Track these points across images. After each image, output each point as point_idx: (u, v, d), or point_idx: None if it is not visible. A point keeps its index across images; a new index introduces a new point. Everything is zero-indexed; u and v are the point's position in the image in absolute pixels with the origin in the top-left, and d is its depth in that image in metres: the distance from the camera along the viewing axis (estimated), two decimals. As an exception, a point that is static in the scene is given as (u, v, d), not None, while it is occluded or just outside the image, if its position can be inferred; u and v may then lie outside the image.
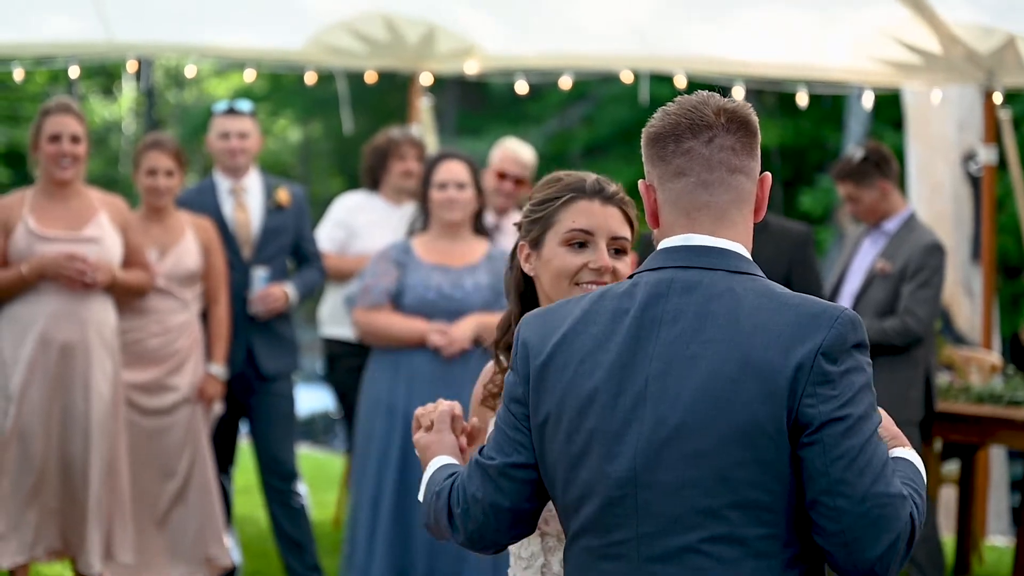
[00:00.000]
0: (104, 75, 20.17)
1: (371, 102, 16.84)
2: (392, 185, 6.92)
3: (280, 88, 20.59)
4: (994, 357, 6.96)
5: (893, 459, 2.28)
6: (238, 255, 6.25)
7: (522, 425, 2.38)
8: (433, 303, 5.58)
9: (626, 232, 2.88)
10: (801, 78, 7.71)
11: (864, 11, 7.20)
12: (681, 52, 7.75)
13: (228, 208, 6.32)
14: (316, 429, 14.32)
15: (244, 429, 6.47)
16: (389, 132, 7.08)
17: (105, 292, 5.60)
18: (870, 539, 2.17)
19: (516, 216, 7.04)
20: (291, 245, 6.39)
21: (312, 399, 13.11)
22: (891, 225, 6.26)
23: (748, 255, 2.34)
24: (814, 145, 16.94)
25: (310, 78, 7.97)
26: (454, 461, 2.58)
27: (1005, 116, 7.21)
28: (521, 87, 8.05)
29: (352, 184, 12.29)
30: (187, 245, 5.98)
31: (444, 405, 2.69)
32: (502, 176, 7.02)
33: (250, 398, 6.28)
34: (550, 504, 2.43)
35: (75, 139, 5.61)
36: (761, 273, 2.33)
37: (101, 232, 5.61)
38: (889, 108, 12.86)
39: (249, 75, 8.70)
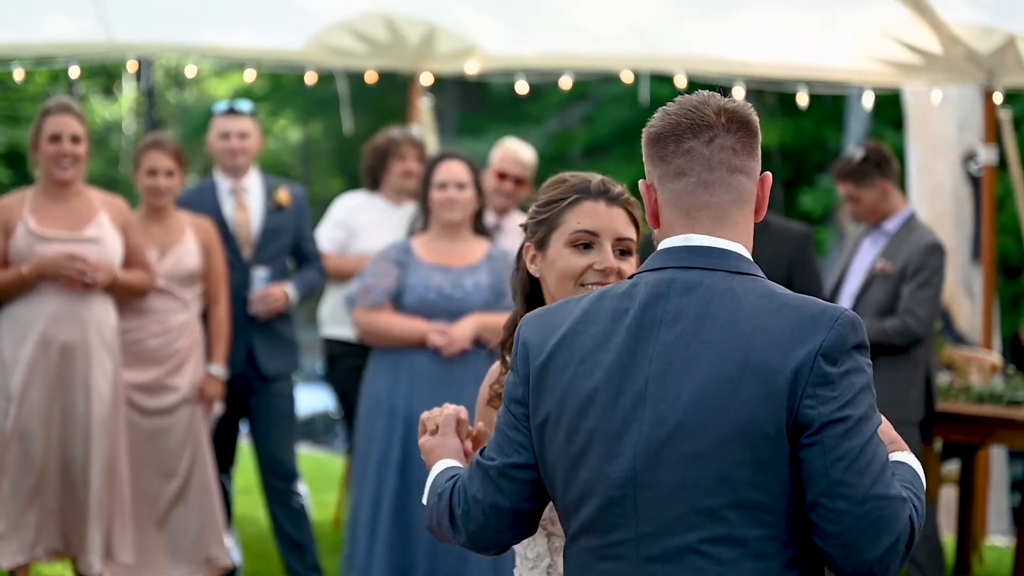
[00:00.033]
0: (104, 75, 20.17)
1: (371, 102, 16.83)
2: (392, 185, 6.92)
3: (280, 88, 20.59)
4: (994, 357, 6.96)
5: (893, 463, 2.27)
6: (238, 255, 6.25)
7: (522, 425, 2.38)
8: (433, 303, 5.58)
9: (631, 233, 2.89)
10: (801, 78, 7.71)
11: (864, 11, 7.20)
12: (681, 52, 7.75)
13: (228, 208, 6.32)
14: (316, 429, 14.32)
15: (244, 429, 6.47)
16: (389, 132, 7.08)
17: (105, 292, 5.59)
18: (869, 541, 2.17)
19: (516, 216, 7.06)
20: (291, 245, 6.39)
21: (312, 399, 13.11)
22: (891, 225, 6.26)
23: (749, 255, 2.34)
24: (814, 145, 16.93)
25: (310, 78, 7.97)
26: (458, 464, 2.58)
27: (1005, 116, 7.21)
28: (521, 87, 8.05)
29: (352, 184, 12.28)
30: (187, 245, 5.98)
31: (450, 409, 2.69)
32: (502, 176, 7.02)
33: (250, 398, 6.28)
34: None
35: (75, 139, 5.61)
36: (761, 274, 2.33)
37: (101, 232, 5.61)
38: (889, 108, 12.86)
39: (249, 75, 8.70)
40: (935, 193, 9.07)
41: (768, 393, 2.18)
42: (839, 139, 15.76)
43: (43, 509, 5.50)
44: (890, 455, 2.30)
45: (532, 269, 2.90)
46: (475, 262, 5.64)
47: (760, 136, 2.38)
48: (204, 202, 6.30)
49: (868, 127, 14.72)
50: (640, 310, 2.30)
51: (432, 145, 7.86)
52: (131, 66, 9.17)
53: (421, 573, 5.45)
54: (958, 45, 6.86)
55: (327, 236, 6.84)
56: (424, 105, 8.11)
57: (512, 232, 6.90)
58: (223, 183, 6.36)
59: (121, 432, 5.62)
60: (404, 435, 5.52)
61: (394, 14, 7.62)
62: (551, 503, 2.42)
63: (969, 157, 8.82)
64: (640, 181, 2.43)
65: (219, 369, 6.02)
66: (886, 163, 6.25)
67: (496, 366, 2.98)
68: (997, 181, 7.68)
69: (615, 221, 2.86)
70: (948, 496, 8.02)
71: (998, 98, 7.14)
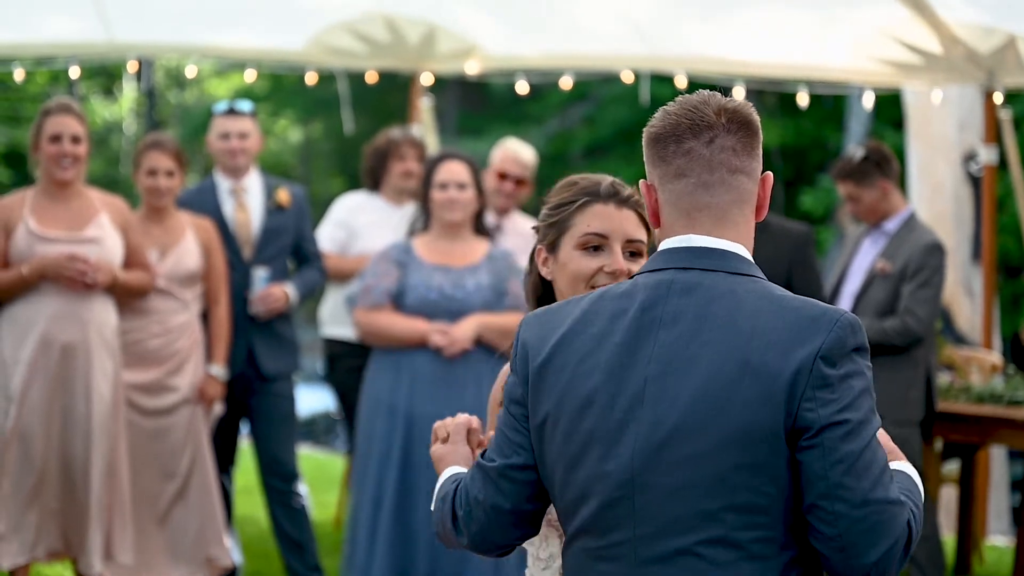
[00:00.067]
0: (105, 75, 20.16)
1: (372, 102, 16.84)
2: (392, 185, 6.92)
3: (281, 88, 20.59)
4: (994, 357, 6.96)
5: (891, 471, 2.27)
6: (238, 255, 6.25)
7: (521, 426, 2.38)
8: (434, 303, 5.58)
9: (641, 235, 2.89)
10: (802, 78, 7.71)
11: (864, 11, 7.20)
12: (682, 52, 7.75)
13: (228, 208, 6.32)
14: (317, 429, 14.32)
15: (245, 429, 6.47)
16: (389, 132, 7.08)
17: (106, 293, 5.59)
18: (867, 544, 2.16)
19: (517, 216, 7.07)
20: (291, 245, 6.39)
21: (313, 399, 13.12)
22: (891, 225, 6.27)
23: (749, 256, 2.34)
24: (815, 145, 16.94)
25: (311, 78, 7.96)
26: (465, 471, 2.58)
27: (1005, 116, 7.21)
28: (522, 87, 8.05)
29: (353, 184, 12.28)
30: (187, 245, 5.98)
31: (461, 417, 2.69)
32: (503, 176, 7.02)
33: (251, 398, 6.28)
34: None
35: (76, 139, 5.61)
36: (762, 275, 2.32)
37: (102, 232, 5.61)
38: (890, 108, 12.86)
39: (250, 75, 8.70)
40: (935, 193, 9.07)
41: (767, 395, 2.18)
42: (839, 139, 15.76)
43: (43, 509, 5.50)
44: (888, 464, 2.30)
45: (544, 272, 2.92)
46: (476, 262, 5.64)
47: (761, 136, 2.37)
48: (204, 202, 6.30)
49: (868, 127, 14.72)
50: (639, 311, 2.29)
51: (433, 145, 7.86)
52: (131, 66, 9.17)
53: (422, 573, 5.45)
54: (958, 45, 6.86)
55: (327, 236, 6.84)
56: (424, 105, 8.11)
57: (512, 232, 6.90)
58: (223, 183, 6.36)
59: (121, 432, 5.62)
60: (405, 435, 5.52)
61: (394, 14, 7.62)
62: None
63: (969, 157, 8.82)
64: (641, 181, 2.43)
65: (219, 369, 6.02)
66: (886, 163, 6.25)
67: (507, 368, 2.99)
68: (997, 181, 7.68)
69: (625, 223, 2.87)
70: (948, 496, 8.02)
71: (998, 98, 7.14)
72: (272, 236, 6.33)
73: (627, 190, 2.90)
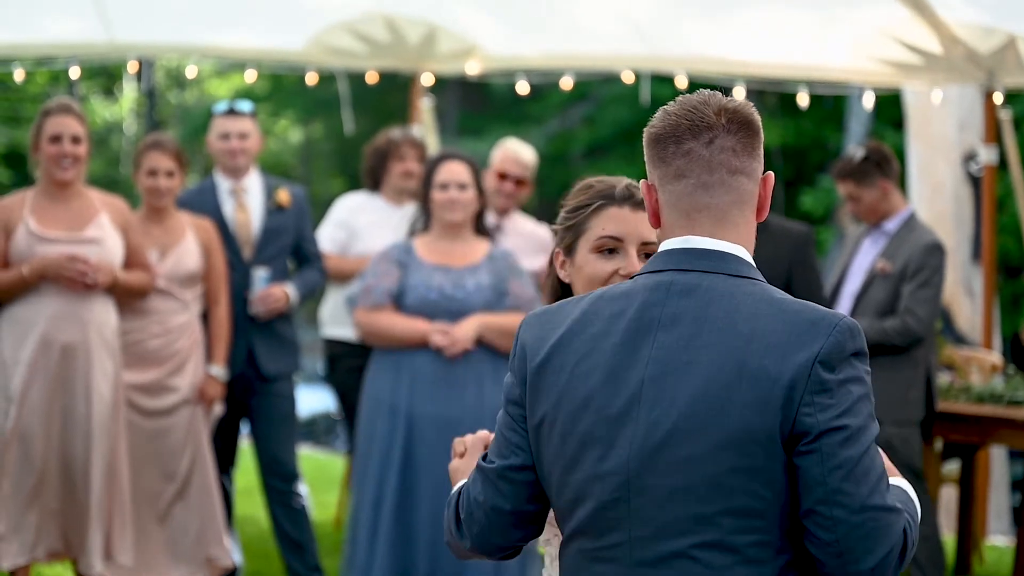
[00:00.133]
0: (105, 76, 20.17)
1: (372, 103, 16.84)
2: (392, 186, 6.92)
3: (281, 89, 20.60)
4: (994, 357, 6.96)
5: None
6: (238, 256, 6.26)
7: (519, 427, 2.37)
8: (435, 303, 5.58)
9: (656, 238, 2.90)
10: (802, 78, 7.71)
11: (864, 11, 7.20)
12: (682, 52, 7.76)
13: (228, 209, 6.32)
14: (317, 430, 14.32)
15: (245, 430, 6.47)
16: (389, 133, 7.08)
17: (106, 293, 5.60)
18: (864, 550, 2.16)
19: (517, 217, 7.07)
20: (292, 246, 6.40)
21: (313, 400, 13.12)
22: (891, 225, 6.27)
23: (749, 257, 2.32)
24: (815, 145, 16.94)
25: (311, 79, 7.97)
26: None
27: (1006, 116, 7.21)
28: (522, 87, 8.06)
29: (353, 185, 12.29)
30: (188, 246, 5.98)
31: (480, 433, 2.70)
32: (503, 177, 7.02)
33: (251, 399, 6.29)
34: None
35: (76, 140, 5.61)
36: (761, 277, 2.31)
37: (102, 233, 5.61)
38: (890, 108, 12.86)
39: (250, 76, 8.70)
40: (935, 193, 9.07)
41: (764, 399, 2.17)
42: (840, 139, 15.77)
43: (43, 510, 5.50)
44: None
45: (562, 275, 2.93)
46: (476, 262, 5.65)
47: (762, 136, 2.36)
48: (204, 202, 6.30)
49: (868, 127, 14.72)
50: (638, 312, 2.28)
51: (433, 146, 7.86)
52: (132, 67, 9.16)
53: (422, 573, 5.45)
54: (958, 45, 6.86)
55: (328, 237, 6.85)
56: (425, 105, 8.11)
57: (513, 232, 6.90)
58: (223, 184, 6.37)
59: (121, 433, 5.62)
60: (405, 435, 5.52)
61: (395, 14, 7.63)
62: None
63: (969, 157, 8.82)
64: (642, 181, 2.42)
65: (219, 370, 6.02)
66: (887, 163, 6.26)
67: None
68: (997, 181, 7.68)
69: (640, 226, 2.88)
70: (948, 496, 8.02)
71: (998, 98, 7.14)
72: (272, 236, 6.33)
73: (642, 193, 2.91)
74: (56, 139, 5.58)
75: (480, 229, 5.74)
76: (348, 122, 8.37)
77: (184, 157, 6.06)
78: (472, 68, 7.96)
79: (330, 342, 6.94)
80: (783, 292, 2.29)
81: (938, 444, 6.52)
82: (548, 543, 2.77)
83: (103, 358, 5.55)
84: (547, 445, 2.32)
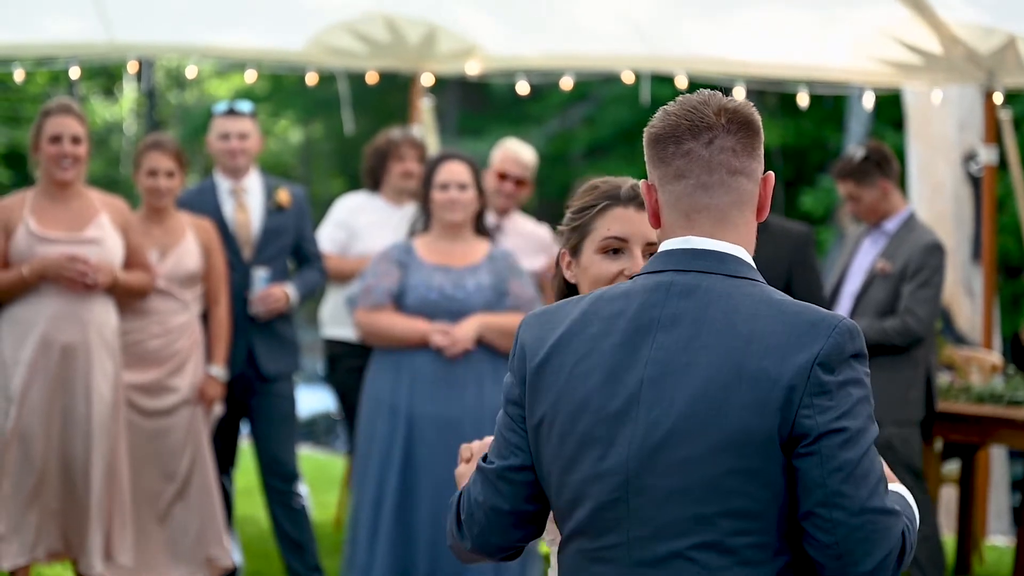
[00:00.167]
0: (105, 76, 20.17)
1: (372, 103, 16.84)
2: (392, 186, 6.92)
3: (281, 89, 20.59)
4: (994, 357, 6.97)
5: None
6: (238, 256, 6.26)
7: (519, 427, 2.37)
8: (435, 303, 5.58)
9: None
10: (802, 78, 7.71)
11: (864, 11, 7.21)
12: (682, 52, 7.76)
13: (228, 209, 6.32)
14: (317, 430, 14.32)
15: (245, 430, 6.47)
16: (389, 133, 7.08)
17: (106, 293, 5.60)
18: (863, 553, 2.16)
19: (517, 217, 7.07)
20: (292, 246, 6.40)
21: (313, 400, 13.12)
22: (891, 225, 6.27)
23: (749, 258, 2.32)
24: (815, 145, 16.94)
25: (311, 79, 7.97)
26: None
27: (1005, 116, 7.22)
28: (522, 88, 8.06)
29: (353, 185, 12.28)
30: (188, 246, 5.98)
31: (488, 439, 2.70)
32: (503, 177, 7.02)
33: (251, 399, 6.29)
34: None
35: (76, 140, 5.61)
36: (761, 278, 2.31)
37: (102, 233, 5.61)
38: (890, 108, 12.86)
39: (250, 76, 8.70)
40: (935, 193, 9.07)
41: (763, 401, 2.16)
42: (840, 139, 15.77)
43: (43, 510, 5.50)
44: None
45: (568, 275, 2.93)
46: (476, 262, 5.65)
47: (762, 136, 2.35)
48: (204, 203, 6.30)
49: (868, 127, 14.72)
50: (638, 312, 2.28)
51: (433, 146, 7.86)
52: (132, 67, 9.15)
53: (422, 574, 5.46)
54: (958, 45, 6.86)
55: (328, 237, 6.85)
56: (425, 106, 8.11)
57: (513, 232, 6.90)
58: (223, 184, 6.37)
59: (121, 433, 5.62)
60: (405, 436, 5.52)
61: (395, 14, 7.63)
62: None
63: (969, 157, 8.82)
64: (642, 182, 2.42)
65: (219, 370, 6.02)
66: (887, 163, 6.26)
67: None
68: (997, 181, 7.68)
69: (645, 226, 2.87)
70: (948, 496, 8.02)
71: (998, 98, 7.14)
72: (272, 236, 6.33)
73: None
74: (56, 139, 5.58)
75: (480, 229, 5.75)
76: (348, 122, 8.37)
77: (184, 157, 6.06)
78: (472, 68, 7.96)
79: (330, 342, 6.94)
80: (782, 293, 2.28)
81: (938, 444, 6.52)
82: (553, 543, 2.77)
83: (103, 358, 5.55)
84: (546, 445, 2.32)
